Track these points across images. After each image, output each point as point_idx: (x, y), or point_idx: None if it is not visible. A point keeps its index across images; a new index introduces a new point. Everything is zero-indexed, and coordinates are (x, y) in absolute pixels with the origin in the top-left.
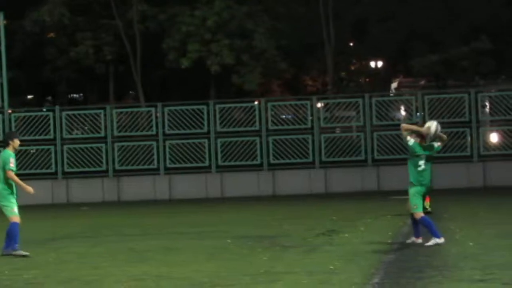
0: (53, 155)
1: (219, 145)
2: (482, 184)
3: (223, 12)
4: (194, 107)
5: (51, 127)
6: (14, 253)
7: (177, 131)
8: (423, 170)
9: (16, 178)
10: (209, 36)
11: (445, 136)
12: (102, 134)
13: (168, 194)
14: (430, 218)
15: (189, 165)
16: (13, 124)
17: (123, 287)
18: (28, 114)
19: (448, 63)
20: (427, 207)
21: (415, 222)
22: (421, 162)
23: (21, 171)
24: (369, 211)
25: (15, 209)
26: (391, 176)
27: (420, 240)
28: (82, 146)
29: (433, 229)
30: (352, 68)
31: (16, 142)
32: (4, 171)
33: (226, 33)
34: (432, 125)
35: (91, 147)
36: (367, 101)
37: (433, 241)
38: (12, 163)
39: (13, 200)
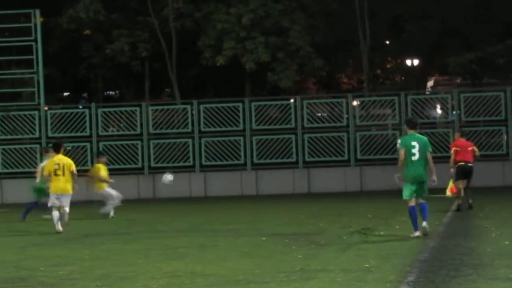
0: (89, 152)
1: (254, 142)
2: None
3: (258, 9)
4: (230, 104)
5: (87, 124)
6: None
7: (212, 129)
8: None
9: None
10: (245, 34)
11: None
12: (138, 131)
13: (203, 192)
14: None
15: (224, 162)
16: (49, 121)
17: (158, 284)
18: (64, 111)
19: (484, 61)
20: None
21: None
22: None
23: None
24: (404, 209)
25: None
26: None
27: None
28: (117, 143)
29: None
30: (388, 66)
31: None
32: None
33: (262, 31)
34: None
35: (127, 144)
36: (403, 99)
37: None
38: None
39: None
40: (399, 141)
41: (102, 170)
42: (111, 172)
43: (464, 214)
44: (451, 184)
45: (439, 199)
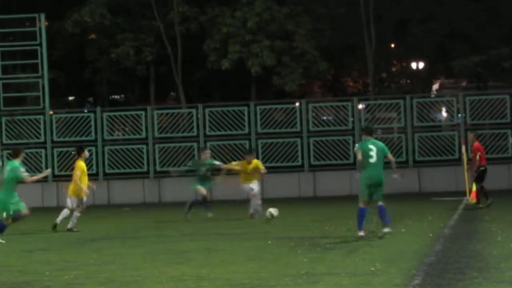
0: (94, 156)
1: (260, 146)
2: None
3: (263, 13)
4: (235, 108)
5: (92, 128)
6: None
7: (218, 132)
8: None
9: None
10: (250, 37)
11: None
12: (143, 135)
13: (209, 195)
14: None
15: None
16: (54, 125)
17: None
18: (69, 115)
19: (489, 64)
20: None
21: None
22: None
23: (62, 172)
24: (409, 212)
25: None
26: (433, 177)
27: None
28: (123, 147)
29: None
30: (393, 69)
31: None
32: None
33: (267, 34)
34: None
35: (132, 148)
36: (408, 102)
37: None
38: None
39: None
40: (356, 145)
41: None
42: (118, 176)
43: (470, 217)
44: (474, 188)
45: (445, 202)
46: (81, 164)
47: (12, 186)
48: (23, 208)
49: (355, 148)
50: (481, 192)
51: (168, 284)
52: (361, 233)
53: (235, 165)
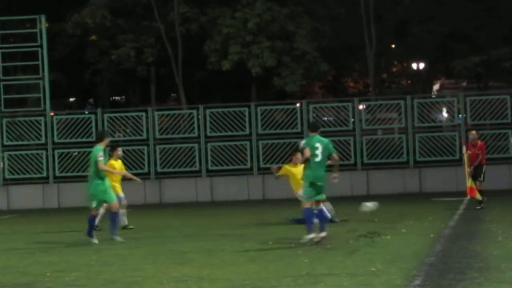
0: None
1: (260, 147)
2: None
3: (264, 14)
4: (236, 109)
5: (93, 129)
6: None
7: (218, 133)
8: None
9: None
10: (250, 38)
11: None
12: (144, 137)
13: (210, 197)
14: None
15: (230, 167)
16: (55, 127)
17: None
18: (70, 116)
19: (490, 64)
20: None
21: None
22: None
23: (63, 173)
24: (410, 213)
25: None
26: (433, 178)
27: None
28: (124, 148)
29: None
30: (394, 69)
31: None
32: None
33: (267, 35)
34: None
35: (133, 150)
36: (409, 102)
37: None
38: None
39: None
40: (303, 141)
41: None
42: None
43: (471, 217)
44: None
45: (446, 202)
46: (111, 164)
47: (96, 172)
48: (112, 200)
49: (301, 145)
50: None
51: (169, 284)
52: (311, 235)
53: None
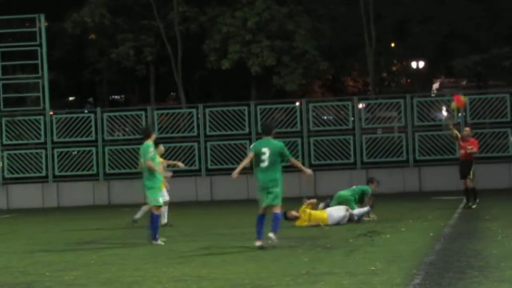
0: (94, 156)
1: None
2: None
3: (263, 13)
4: (235, 108)
5: (93, 128)
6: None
7: (218, 132)
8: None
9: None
10: (250, 37)
11: None
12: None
13: (210, 196)
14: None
15: (230, 166)
16: (54, 126)
17: None
18: (69, 116)
19: (489, 63)
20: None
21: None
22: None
23: (62, 173)
24: (410, 211)
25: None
26: (433, 176)
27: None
28: (123, 147)
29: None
30: (393, 68)
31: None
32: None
33: (267, 34)
34: None
35: (133, 149)
36: (409, 101)
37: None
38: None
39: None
40: (252, 145)
41: None
42: (119, 176)
43: (470, 216)
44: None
45: (445, 201)
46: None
47: (147, 169)
48: (158, 199)
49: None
50: (471, 191)
51: (169, 284)
52: (258, 243)
53: None
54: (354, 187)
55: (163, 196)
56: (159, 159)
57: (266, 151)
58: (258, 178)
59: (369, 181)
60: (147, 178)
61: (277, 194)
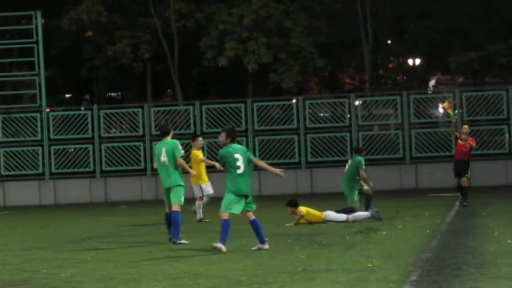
0: (91, 154)
1: (257, 143)
2: None
3: (260, 10)
4: (232, 105)
5: (89, 126)
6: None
7: (214, 130)
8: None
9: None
10: (246, 34)
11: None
12: (140, 133)
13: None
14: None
15: None
16: (51, 123)
17: (161, 286)
18: (66, 113)
19: (486, 60)
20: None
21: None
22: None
23: (59, 170)
24: (406, 209)
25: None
26: (429, 173)
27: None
28: (120, 144)
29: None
30: (390, 65)
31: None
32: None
33: (264, 31)
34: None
35: (129, 146)
36: (405, 98)
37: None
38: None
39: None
40: (220, 153)
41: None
42: (115, 173)
43: (467, 213)
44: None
45: (442, 198)
46: (194, 153)
47: (168, 167)
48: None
49: (219, 156)
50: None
51: (166, 281)
52: (219, 245)
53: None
54: (347, 165)
55: (209, 190)
56: (197, 152)
57: (238, 157)
58: (235, 185)
59: (358, 151)
60: (177, 176)
61: (252, 198)
